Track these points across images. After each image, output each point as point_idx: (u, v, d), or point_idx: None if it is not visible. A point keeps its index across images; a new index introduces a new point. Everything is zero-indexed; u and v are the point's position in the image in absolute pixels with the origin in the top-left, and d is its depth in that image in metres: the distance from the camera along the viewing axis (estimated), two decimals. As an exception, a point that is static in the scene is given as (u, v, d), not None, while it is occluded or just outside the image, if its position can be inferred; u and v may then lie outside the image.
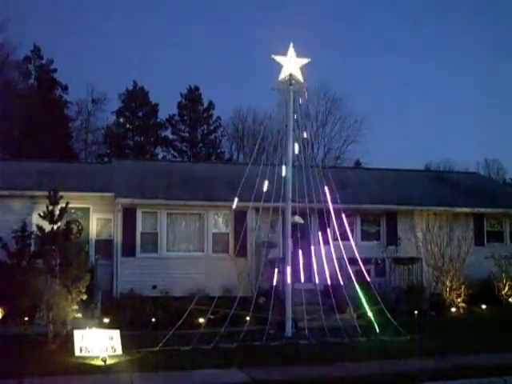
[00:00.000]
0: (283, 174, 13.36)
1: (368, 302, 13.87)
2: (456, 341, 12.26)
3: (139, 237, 16.96)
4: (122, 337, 10.84)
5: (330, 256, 13.94)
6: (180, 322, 12.49)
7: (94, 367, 9.72)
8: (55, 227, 11.80)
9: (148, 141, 50.44)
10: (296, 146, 13.62)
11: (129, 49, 72.83)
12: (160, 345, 11.26)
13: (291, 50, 13.86)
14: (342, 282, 14.11)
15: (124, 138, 49.61)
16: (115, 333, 10.84)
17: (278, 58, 13.86)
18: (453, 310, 16.99)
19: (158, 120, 51.18)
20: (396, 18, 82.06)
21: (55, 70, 47.11)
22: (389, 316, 13.52)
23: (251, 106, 51.84)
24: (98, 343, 10.47)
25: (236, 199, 13.64)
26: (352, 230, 18.14)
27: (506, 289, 18.15)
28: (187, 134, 51.24)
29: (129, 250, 16.72)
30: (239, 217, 16.44)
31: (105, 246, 17.54)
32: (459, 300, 17.21)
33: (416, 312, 16.23)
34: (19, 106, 37.29)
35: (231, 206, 14.29)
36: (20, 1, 58.44)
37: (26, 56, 45.47)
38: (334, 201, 14.15)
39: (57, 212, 11.91)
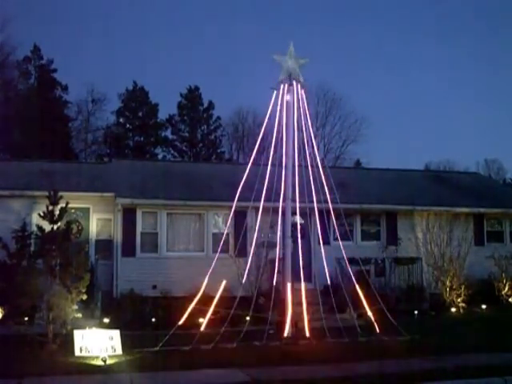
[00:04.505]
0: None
1: (368, 302, 13.86)
2: (456, 341, 12.27)
3: (139, 237, 16.95)
4: (122, 337, 10.86)
5: (330, 256, 13.92)
6: (180, 322, 12.49)
7: (94, 367, 9.72)
8: (55, 227, 11.79)
9: (148, 141, 50.41)
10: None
11: (129, 49, 72.96)
12: (160, 345, 11.27)
13: (291, 50, 13.84)
14: (341, 282, 14.10)
15: (124, 137, 49.57)
16: (115, 333, 10.85)
17: (278, 58, 13.84)
18: (453, 309, 17.00)
19: (158, 120, 51.15)
20: (397, 18, 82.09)
21: (55, 70, 47.10)
22: (389, 316, 13.52)
23: (251, 106, 51.83)
24: (98, 343, 10.48)
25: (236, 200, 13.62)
26: (352, 230, 18.18)
27: (506, 289, 18.17)
28: (187, 134, 51.21)
29: (129, 249, 16.71)
30: (239, 217, 16.42)
31: (105, 246, 17.50)
32: (459, 300, 17.21)
33: (416, 312, 16.23)
34: (19, 105, 37.30)
35: (231, 206, 14.28)
36: (20, 0, 58.46)
37: (26, 56, 45.52)
38: (334, 201, 14.14)
39: (57, 212, 11.89)
